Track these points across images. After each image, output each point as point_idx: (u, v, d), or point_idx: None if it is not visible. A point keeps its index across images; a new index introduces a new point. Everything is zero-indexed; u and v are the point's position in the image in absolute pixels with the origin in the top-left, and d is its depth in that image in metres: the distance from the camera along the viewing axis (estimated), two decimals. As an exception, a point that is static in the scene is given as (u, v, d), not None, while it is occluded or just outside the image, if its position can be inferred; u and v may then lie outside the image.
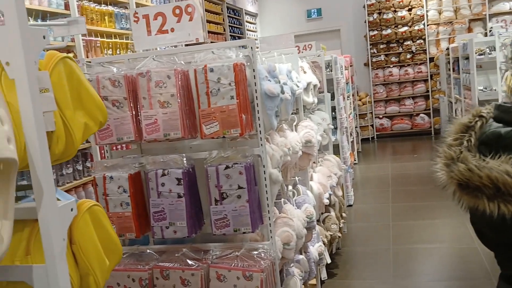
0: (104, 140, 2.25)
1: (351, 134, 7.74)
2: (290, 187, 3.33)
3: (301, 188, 3.20)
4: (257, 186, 2.25)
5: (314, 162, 3.89)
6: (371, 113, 11.14)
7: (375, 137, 11.21)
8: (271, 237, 2.31)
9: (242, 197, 2.14)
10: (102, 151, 5.50)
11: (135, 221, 2.28)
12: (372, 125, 11.15)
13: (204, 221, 2.33)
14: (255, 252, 2.19)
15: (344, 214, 4.51)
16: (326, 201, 3.69)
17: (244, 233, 2.17)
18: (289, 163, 2.87)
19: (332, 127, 4.58)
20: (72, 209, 0.94)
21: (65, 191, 4.77)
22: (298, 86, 3.03)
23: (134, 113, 2.22)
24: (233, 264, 2.16)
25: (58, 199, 0.95)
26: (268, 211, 2.30)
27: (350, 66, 9.23)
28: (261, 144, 2.26)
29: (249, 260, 2.16)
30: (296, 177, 3.34)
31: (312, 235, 3.20)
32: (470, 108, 6.59)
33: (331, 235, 4.01)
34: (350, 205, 6.18)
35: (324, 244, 3.73)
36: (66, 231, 0.92)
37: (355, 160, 8.36)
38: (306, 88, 3.50)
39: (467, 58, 7.00)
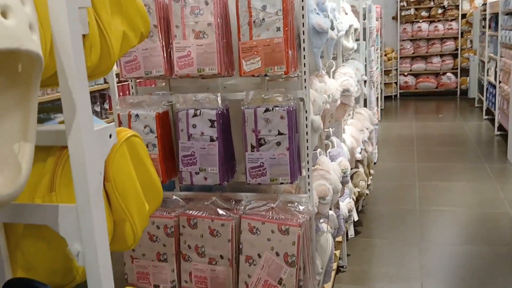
0: (131, 73, 2.02)
1: (376, 90, 7.42)
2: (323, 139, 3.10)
3: (335, 140, 2.98)
4: (298, 134, 2.02)
5: (349, 115, 3.64)
6: (396, 69, 10.73)
7: (399, 95, 10.85)
8: (309, 190, 2.10)
9: (282, 144, 1.92)
10: (121, 93, 5.28)
11: (161, 165, 2.08)
12: (396, 83, 10.76)
13: (236, 169, 2.12)
14: (292, 205, 1.99)
15: (372, 171, 4.29)
16: (359, 156, 3.47)
17: (281, 183, 1.96)
18: (327, 111, 2.63)
19: (366, 78, 4.29)
20: (111, 136, 0.72)
21: None
22: (341, 27, 2.74)
23: (165, 43, 1.97)
24: (268, 217, 1.97)
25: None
26: (308, 161, 2.08)
27: (380, 18, 8.77)
28: (305, 87, 2.02)
29: (286, 213, 1.97)
30: (330, 129, 3.10)
31: (344, 191, 3.00)
32: (508, 67, 6.22)
33: (359, 191, 3.81)
34: (374, 163, 5.96)
35: (352, 199, 3.54)
36: (103, 163, 0.70)
37: (378, 118, 8.08)
38: (346, 31, 3.20)
39: (509, 14, 6.55)
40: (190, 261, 2.09)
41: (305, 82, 2.02)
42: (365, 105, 5.34)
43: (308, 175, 2.10)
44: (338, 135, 3.24)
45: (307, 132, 2.06)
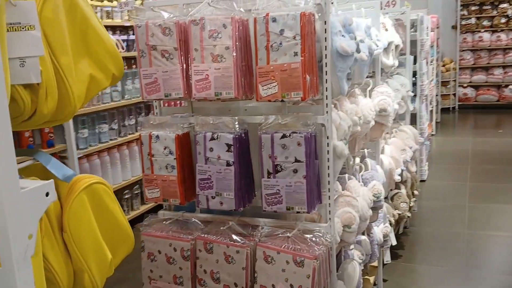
0: (151, 95, 2.01)
1: (430, 103, 7.12)
2: (357, 160, 2.99)
3: (369, 162, 2.85)
4: (318, 160, 1.94)
5: (387, 133, 3.49)
6: (455, 81, 10.28)
7: (457, 107, 10.39)
8: (330, 219, 2.01)
9: (299, 172, 1.85)
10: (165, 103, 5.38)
11: (180, 187, 2.06)
12: (454, 94, 10.31)
13: (256, 194, 2.07)
14: (309, 236, 1.91)
15: (416, 192, 4.09)
16: (398, 178, 3.31)
17: (298, 212, 1.89)
18: (359, 133, 2.52)
19: (412, 94, 4.11)
20: (48, 194, 0.69)
21: (124, 143, 4.70)
22: (377, 46, 2.62)
23: (184, 66, 1.95)
24: (283, 246, 1.90)
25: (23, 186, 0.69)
26: (329, 189, 2.00)
27: (437, 28, 8.44)
28: (327, 112, 1.93)
29: (302, 243, 1.89)
30: (365, 149, 2.98)
31: (378, 215, 2.87)
32: None
33: (399, 214, 3.64)
34: (423, 181, 5.71)
35: (390, 224, 3.38)
36: (36, 224, 0.67)
37: (432, 131, 7.75)
38: (386, 48, 3.07)
39: None
40: (206, 286, 2.05)
41: (326, 107, 1.93)
42: (413, 121, 5.14)
43: (329, 204, 2.01)
44: (375, 156, 3.11)
45: (328, 159, 1.97)
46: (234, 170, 1.92)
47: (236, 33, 1.83)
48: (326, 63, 1.90)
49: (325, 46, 1.89)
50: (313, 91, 1.83)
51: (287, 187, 1.86)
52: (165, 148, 2.05)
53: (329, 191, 2.00)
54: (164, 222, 2.18)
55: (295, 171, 1.85)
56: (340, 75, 1.97)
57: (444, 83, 10.18)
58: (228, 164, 1.93)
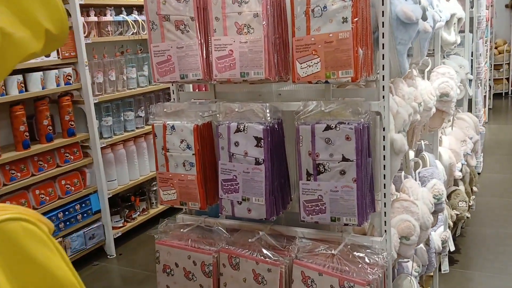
0: (164, 77, 1.65)
1: (484, 88, 6.51)
2: (411, 154, 2.55)
3: (428, 157, 2.41)
4: (371, 158, 1.53)
5: (448, 121, 3.02)
6: (508, 63, 9.50)
7: (510, 93, 9.62)
8: (385, 231, 1.60)
9: (348, 174, 1.44)
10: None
11: (200, 188, 1.69)
12: (507, 79, 9.54)
13: (292, 198, 1.68)
14: (360, 254, 1.50)
15: (475, 188, 3.61)
16: (459, 175, 2.85)
17: (346, 224, 1.49)
18: (417, 123, 2.08)
19: (471, 77, 3.60)
20: None
21: (136, 137, 4.29)
22: (440, 17, 2.17)
23: (204, 40, 1.57)
24: (327, 266, 1.51)
25: None
26: (384, 194, 1.58)
27: (491, 6, 7.74)
28: (383, 97, 1.51)
29: (350, 263, 1.49)
30: (422, 141, 2.53)
31: (438, 219, 2.43)
32: None
33: (457, 214, 3.17)
34: (478, 173, 5.16)
35: (448, 227, 2.93)
36: None
37: (486, 120, 7.12)
38: (448, 21, 2.59)
39: None
40: (230, 309, 1.69)
41: (383, 90, 1.51)
42: (469, 108, 4.62)
43: (385, 212, 1.60)
44: (432, 149, 2.66)
45: (384, 156, 1.56)
46: (264, 169, 1.54)
47: (268, -4, 1.43)
48: (383, 33, 1.47)
49: (382, 12, 1.46)
50: (367, 69, 1.42)
51: (332, 193, 1.46)
52: (182, 142, 1.68)
53: (385, 197, 1.58)
54: (182, 229, 1.83)
55: (343, 172, 1.45)
56: (400, 49, 1.54)
57: (497, 66, 9.42)
58: (257, 162, 1.54)
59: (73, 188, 3.56)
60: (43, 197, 3.35)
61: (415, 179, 2.29)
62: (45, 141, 3.40)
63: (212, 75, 1.54)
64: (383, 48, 1.49)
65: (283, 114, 1.62)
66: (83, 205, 3.65)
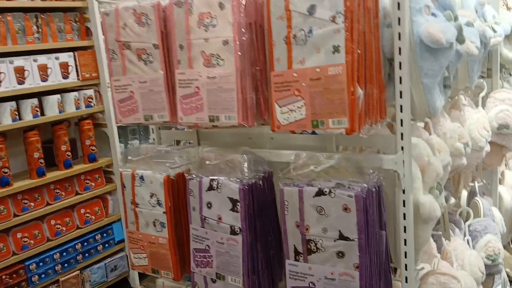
0: (127, 117, 1.33)
1: None
2: (463, 198, 2.08)
3: (481, 204, 1.93)
4: (386, 231, 1.12)
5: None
6: None
7: None
8: (407, 328, 1.18)
9: (348, 257, 1.05)
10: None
11: (173, 255, 1.36)
12: None
13: (282, 278, 1.30)
14: None
15: (548, 229, 3.01)
16: (525, 221, 2.32)
17: (346, 324, 1.09)
18: (464, 167, 1.63)
19: (544, 97, 3.02)
20: None
21: None
22: (495, 31, 1.71)
23: (170, 73, 1.24)
24: None
25: None
26: (406, 278, 1.17)
27: None
28: (402, 148, 1.11)
29: None
30: (476, 182, 2.06)
31: (494, 283, 1.94)
32: None
33: (523, 265, 2.62)
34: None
35: (510, 281, 2.40)
36: None
37: None
38: (508, 35, 2.10)
39: None
40: None
41: (402, 139, 1.11)
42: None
43: (407, 301, 1.18)
44: (491, 191, 2.17)
45: (405, 228, 1.15)
46: (242, 241, 1.17)
47: (241, 16, 1.07)
48: (400, 62, 1.07)
49: (399, 34, 1.06)
50: (374, 114, 1.02)
51: (327, 281, 1.07)
52: (151, 196, 1.36)
53: (406, 282, 1.17)
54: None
55: (341, 254, 1.06)
56: (427, 83, 1.13)
57: None
58: (233, 232, 1.19)
59: (93, 217, 3.34)
60: (59, 228, 3.16)
61: (464, 235, 1.83)
62: (63, 167, 3.21)
63: (177, 117, 1.21)
64: (400, 83, 1.08)
65: (274, 166, 1.25)
66: (105, 234, 3.43)
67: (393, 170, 1.10)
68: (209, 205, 1.22)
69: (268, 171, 1.24)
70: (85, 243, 3.31)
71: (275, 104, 1.04)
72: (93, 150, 3.38)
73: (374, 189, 1.06)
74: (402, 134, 1.11)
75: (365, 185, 1.03)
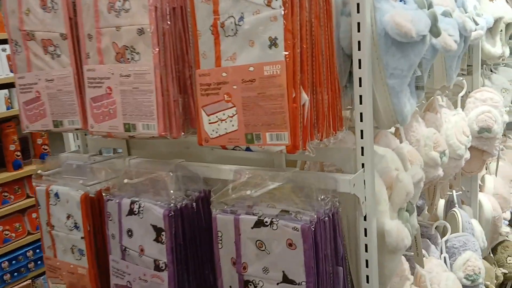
0: (34, 123, 1.09)
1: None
2: (440, 212, 1.90)
3: (460, 217, 1.74)
4: (344, 266, 0.91)
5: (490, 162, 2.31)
6: None
7: None
8: None
9: (292, 304, 0.83)
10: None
11: (94, 286, 1.13)
12: None
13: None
14: None
15: (530, 235, 2.85)
16: (505, 231, 2.15)
17: None
18: (441, 179, 1.43)
19: (527, 95, 2.85)
20: None
21: None
22: (476, 23, 1.50)
23: (82, 69, 1.01)
24: None
25: None
26: (367, 322, 0.96)
27: (554, 3, 6.77)
28: (363, 165, 0.90)
29: None
30: (454, 191, 1.86)
31: (473, 302, 1.75)
32: None
33: (505, 274, 2.46)
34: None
35: (492, 293, 2.22)
36: None
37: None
38: (491, 28, 1.91)
39: None
40: None
41: (363, 154, 0.90)
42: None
43: None
44: (469, 197, 1.98)
45: (367, 261, 0.94)
46: (168, 279, 0.95)
47: (161, 1, 0.84)
48: (359, 60, 0.86)
49: (358, 24, 0.85)
50: (324, 126, 0.80)
51: (267, 332, 0.86)
52: (68, 217, 1.13)
53: (367, 325, 0.96)
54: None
55: (284, 300, 0.84)
56: (394, 84, 0.91)
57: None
58: (157, 267, 0.96)
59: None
60: (7, 234, 2.89)
61: (441, 252, 1.63)
62: (12, 168, 2.95)
63: (88, 125, 0.97)
64: (360, 86, 0.87)
65: (210, 184, 1.02)
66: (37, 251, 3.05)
67: (352, 195, 0.89)
68: (129, 233, 1.00)
69: (205, 190, 1.01)
70: (37, 250, 3.04)
71: (202, 111, 0.82)
72: (45, 149, 3.12)
73: (327, 218, 0.84)
74: (362, 148, 0.89)
75: (314, 215, 0.81)
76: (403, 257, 1.39)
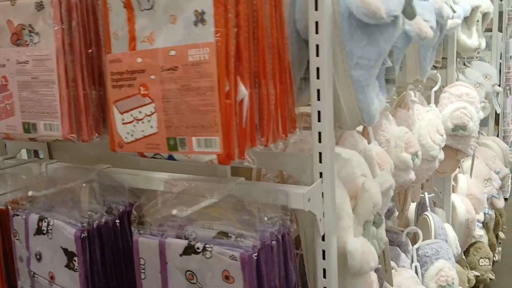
0: None
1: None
2: (411, 215, 1.76)
3: (432, 223, 1.60)
4: (297, 295, 0.75)
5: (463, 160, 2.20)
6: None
7: (543, 96, 8.62)
8: None
9: None
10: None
11: (4, 316, 0.94)
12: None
13: None
14: None
15: (502, 235, 2.78)
16: (479, 234, 2.04)
17: None
18: (413, 182, 1.29)
19: (500, 90, 2.76)
20: None
21: None
22: (454, 11, 1.36)
23: (-19, 54, 0.81)
24: None
25: None
26: None
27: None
28: (321, 174, 0.73)
29: None
30: (426, 194, 1.73)
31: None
32: None
33: (477, 276, 2.36)
34: (505, 199, 4.30)
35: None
36: None
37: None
38: (467, 18, 1.78)
39: None
40: None
41: (321, 162, 0.73)
42: (496, 121, 3.81)
43: None
44: (443, 201, 1.86)
45: (325, 289, 0.78)
46: (84, 314, 0.77)
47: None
48: (317, 46, 0.69)
49: (315, 1, 0.68)
50: (270, 128, 0.63)
51: None
52: (-28, 234, 0.93)
53: None
54: None
55: None
56: (359, 75, 0.75)
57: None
58: (70, 298, 0.78)
59: None
60: None
61: (412, 260, 1.49)
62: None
63: (-16, 125, 0.78)
64: (318, 78, 0.70)
65: (138, 196, 0.84)
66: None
67: (308, 212, 0.72)
68: (38, 257, 0.81)
69: (132, 204, 0.83)
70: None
71: (114, 108, 0.64)
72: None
73: (275, 242, 0.68)
74: (320, 154, 0.73)
75: (257, 239, 0.64)
76: (371, 269, 1.25)
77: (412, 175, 1.22)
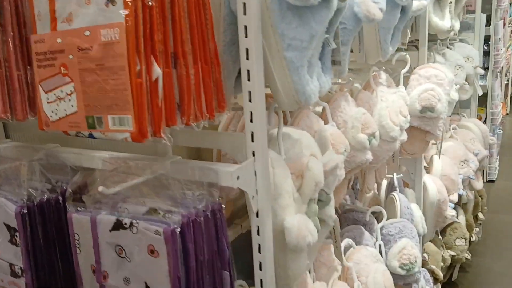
0: None
1: (506, 74, 5.58)
2: (382, 195, 1.79)
3: (398, 202, 1.63)
4: (231, 271, 0.77)
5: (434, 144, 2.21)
6: (538, 46, 8.46)
7: (538, 79, 8.59)
8: None
9: (159, 321, 0.69)
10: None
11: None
12: (536, 63, 8.51)
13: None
14: None
15: (481, 215, 2.81)
16: (451, 214, 2.06)
17: None
18: (373, 163, 1.31)
19: (482, 71, 2.76)
20: None
21: None
22: (417, -8, 1.36)
23: None
24: None
25: None
26: (261, 334, 0.83)
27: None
28: (254, 153, 0.75)
29: None
30: (395, 174, 1.75)
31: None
32: None
33: (453, 256, 2.40)
34: (492, 181, 4.34)
35: (435, 278, 2.15)
36: None
37: (507, 111, 6.20)
38: (440, 0, 1.78)
39: None
40: None
41: (253, 141, 0.75)
42: (483, 103, 3.84)
43: None
44: (414, 182, 1.88)
45: (260, 264, 0.80)
46: (26, 286, 0.80)
47: None
48: (246, 26, 0.70)
49: (243, -20, 0.69)
50: (191, 108, 0.65)
51: None
52: None
53: (262, 339, 0.83)
54: None
55: (149, 317, 0.70)
56: (292, 57, 0.76)
57: (524, 49, 8.39)
58: (14, 273, 0.81)
59: None
60: None
61: (376, 239, 1.52)
62: None
63: None
64: (247, 59, 0.72)
65: (88, 175, 0.86)
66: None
67: (242, 192, 0.75)
68: (-17, 232, 0.83)
69: (77, 182, 0.85)
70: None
71: (39, 87, 0.65)
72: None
73: (202, 218, 0.70)
74: (252, 134, 0.75)
75: (181, 217, 0.67)
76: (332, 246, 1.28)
77: (369, 156, 1.24)
